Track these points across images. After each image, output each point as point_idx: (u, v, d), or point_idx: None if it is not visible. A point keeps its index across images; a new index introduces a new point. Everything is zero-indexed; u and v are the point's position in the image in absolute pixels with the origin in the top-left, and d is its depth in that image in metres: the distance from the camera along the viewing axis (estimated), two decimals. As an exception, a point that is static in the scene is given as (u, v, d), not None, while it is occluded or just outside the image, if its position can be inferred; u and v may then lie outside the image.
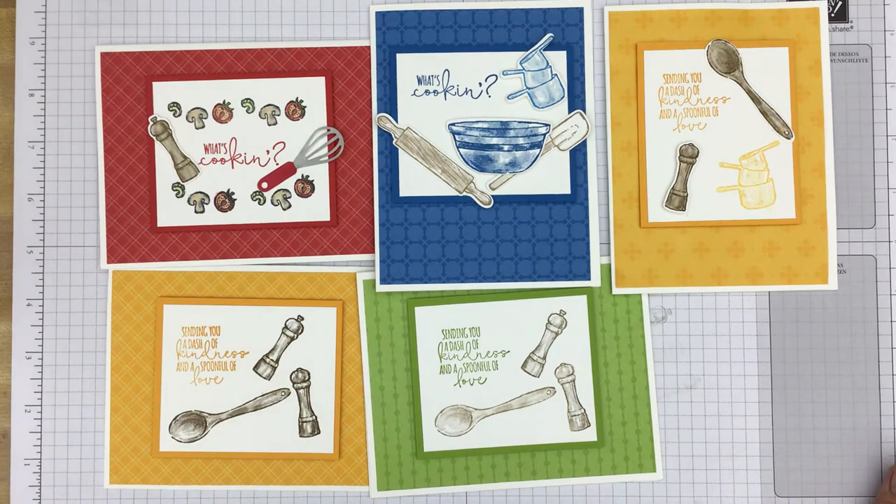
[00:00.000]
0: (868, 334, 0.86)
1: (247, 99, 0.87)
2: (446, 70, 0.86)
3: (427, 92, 0.86)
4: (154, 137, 0.86)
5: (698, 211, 0.86)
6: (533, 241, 0.86)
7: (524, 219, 0.86)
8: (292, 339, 0.86)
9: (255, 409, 0.86)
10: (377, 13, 0.87)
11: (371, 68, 0.87)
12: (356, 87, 0.87)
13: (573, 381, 0.86)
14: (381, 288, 0.86)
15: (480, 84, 0.86)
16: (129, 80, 0.87)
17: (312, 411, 0.86)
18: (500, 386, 0.86)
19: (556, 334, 0.86)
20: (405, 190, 0.86)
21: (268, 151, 0.87)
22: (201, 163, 0.87)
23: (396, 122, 0.86)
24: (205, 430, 0.86)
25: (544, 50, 0.86)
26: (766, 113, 0.86)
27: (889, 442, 0.86)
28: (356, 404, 0.86)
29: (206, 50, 0.87)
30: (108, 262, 0.86)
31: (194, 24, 0.88)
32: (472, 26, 0.86)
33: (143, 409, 0.86)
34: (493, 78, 0.86)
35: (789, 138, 0.85)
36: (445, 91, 0.86)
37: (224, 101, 0.87)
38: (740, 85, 0.86)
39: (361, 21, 0.88)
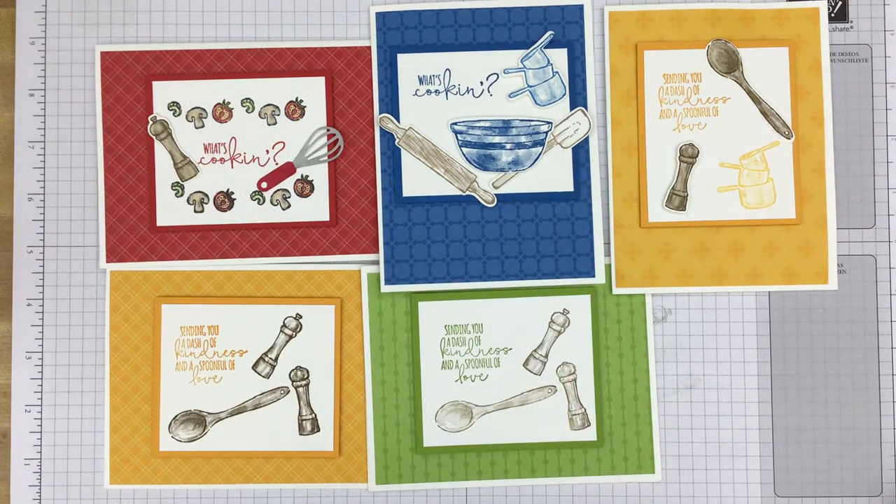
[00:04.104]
0: (868, 334, 0.86)
1: (246, 99, 0.87)
2: (447, 69, 0.86)
3: (428, 92, 0.86)
4: (154, 137, 0.86)
5: (698, 211, 0.86)
6: (537, 240, 0.86)
7: (528, 217, 0.86)
8: (291, 337, 0.86)
9: (255, 407, 0.86)
10: (377, 14, 0.87)
11: (372, 69, 0.87)
12: (356, 87, 0.87)
13: (574, 380, 0.86)
14: (385, 288, 0.86)
15: (482, 83, 0.86)
16: (129, 80, 0.87)
17: (312, 409, 0.86)
18: (501, 383, 0.86)
19: (559, 333, 0.86)
20: (408, 190, 0.86)
21: (267, 151, 0.87)
22: (201, 162, 0.87)
23: (398, 122, 0.86)
24: (204, 430, 0.85)
25: (545, 48, 0.86)
26: (766, 113, 0.86)
27: (889, 442, 0.86)
28: (355, 402, 0.86)
29: (206, 50, 0.87)
30: (108, 262, 0.86)
31: (194, 24, 0.88)
32: (472, 25, 0.87)
33: (143, 409, 0.86)
34: (495, 76, 0.86)
35: (789, 138, 0.86)
36: (447, 90, 0.86)
37: (224, 101, 0.87)
38: (740, 85, 0.86)
39: (361, 21, 0.88)
